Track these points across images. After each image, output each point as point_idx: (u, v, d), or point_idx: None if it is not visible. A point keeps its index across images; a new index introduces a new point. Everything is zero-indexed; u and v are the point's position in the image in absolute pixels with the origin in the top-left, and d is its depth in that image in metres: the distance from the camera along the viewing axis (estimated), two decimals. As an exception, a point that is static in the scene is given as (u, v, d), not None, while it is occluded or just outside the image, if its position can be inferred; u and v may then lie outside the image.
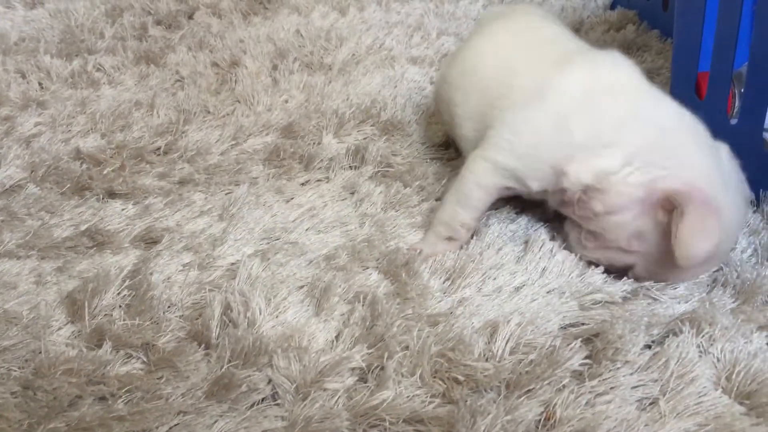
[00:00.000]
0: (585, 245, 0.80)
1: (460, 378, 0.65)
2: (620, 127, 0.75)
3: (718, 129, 0.90)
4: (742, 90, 0.93)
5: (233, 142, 1.11)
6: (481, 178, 0.82)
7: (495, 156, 0.80)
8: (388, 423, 0.62)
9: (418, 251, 0.83)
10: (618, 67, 0.81)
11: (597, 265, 0.79)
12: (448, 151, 1.06)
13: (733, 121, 0.91)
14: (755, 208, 0.86)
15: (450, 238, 0.84)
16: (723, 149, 0.78)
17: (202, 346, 0.71)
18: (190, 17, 1.68)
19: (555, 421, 0.61)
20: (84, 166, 1.05)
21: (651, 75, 1.23)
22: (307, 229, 0.90)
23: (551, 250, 0.82)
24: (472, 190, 0.82)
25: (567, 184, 0.77)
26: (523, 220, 0.89)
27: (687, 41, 0.99)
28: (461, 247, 0.84)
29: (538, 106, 0.78)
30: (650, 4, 1.44)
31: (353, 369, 0.68)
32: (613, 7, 1.59)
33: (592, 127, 0.76)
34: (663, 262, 0.74)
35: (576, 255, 0.81)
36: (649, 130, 0.75)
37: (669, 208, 0.71)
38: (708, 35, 0.95)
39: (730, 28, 0.88)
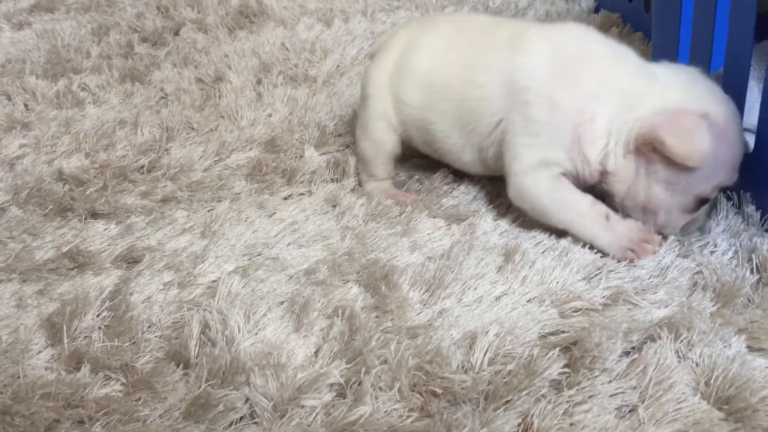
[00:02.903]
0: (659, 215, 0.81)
1: (438, 391, 0.65)
2: (594, 98, 0.80)
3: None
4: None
5: (216, 158, 1.11)
6: (546, 183, 0.83)
7: (529, 161, 0.83)
8: (365, 439, 0.62)
9: (646, 254, 0.80)
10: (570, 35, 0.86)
11: (577, 271, 0.79)
12: (427, 159, 1.06)
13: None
14: (737, 209, 0.86)
15: (608, 217, 0.81)
16: (692, 72, 0.83)
17: (181, 366, 0.71)
18: (176, 33, 1.68)
19: (533, 432, 0.61)
20: (66, 187, 1.05)
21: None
22: (288, 244, 0.90)
23: (532, 259, 0.81)
24: (558, 198, 0.83)
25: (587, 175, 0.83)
26: (504, 230, 0.89)
27: (665, 44, 0.99)
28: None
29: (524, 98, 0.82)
30: (633, 7, 1.44)
31: (331, 385, 0.68)
32: (597, 10, 1.59)
33: (576, 102, 0.81)
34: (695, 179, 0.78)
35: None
36: (610, 94, 0.80)
37: (653, 148, 0.77)
38: (685, 38, 0.95)
39: (706, 30, 0.88)
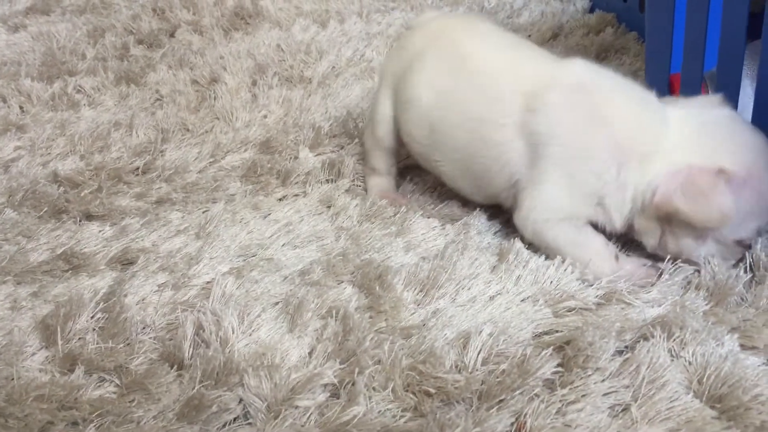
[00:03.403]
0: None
1: (431, 390, 0.65)
2: (612, 162, 0.77)
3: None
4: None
5: (211, 160, 1.11)
6: (568, 235, 0.80)
7: (552, 214, 0.80)
8: (358, 439, 0.62)
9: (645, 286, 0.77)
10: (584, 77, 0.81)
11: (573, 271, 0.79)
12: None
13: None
14: (730, 208, 0.86)
15: (617, 257, 0.79)
16: (707, 110, 0.79)
17: (175, 367, 0.71)
18: (172, 35, 1.68)
19: (526, 431, 0.61)
20: (61, 189, 1.05)
21: (629, 77, 1.23)
22: (283, 245, 0.90)
23: (526, 258, 0.81)
24: (574, 241, 0.80)
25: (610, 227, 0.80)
26: (498, 230, 0.89)
27: (658, 44, 1.00)
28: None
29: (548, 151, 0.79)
30: (628, 6, 1.44)
31: (325, 385, 0.68)
32: (592, 10, 1.59)
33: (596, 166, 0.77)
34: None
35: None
36: (630, 154, 0.77)
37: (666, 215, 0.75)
38: (678, 37, 0.95)
39: (699, 30, 0.88)
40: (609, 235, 0.81)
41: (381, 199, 0.96)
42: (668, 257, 0.78)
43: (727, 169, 0.72)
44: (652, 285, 0.76)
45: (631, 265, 0.79)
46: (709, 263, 0.76)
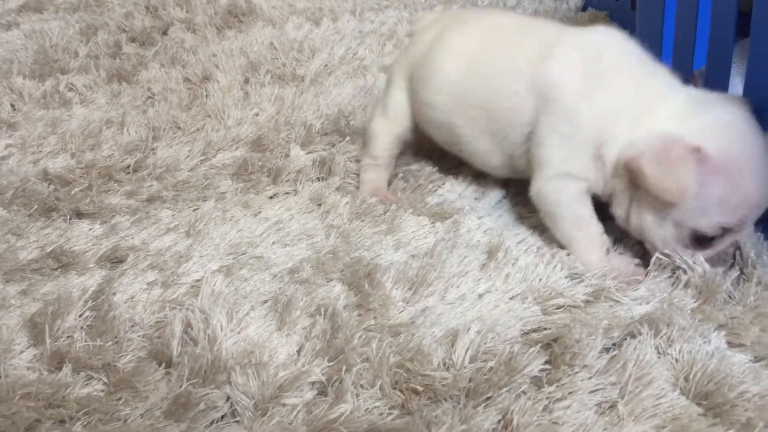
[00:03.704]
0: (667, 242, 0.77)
1: (419, 388, 0.65)
2: (615, 119, 0.78)
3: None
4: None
5: (202, 158, 1.11)
6: (566, 195, 0.81)
7: (553, 171, 0.81)
8: (345, 436, 0.62)
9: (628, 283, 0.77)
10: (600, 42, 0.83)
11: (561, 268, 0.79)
12: (415, 157, 1.06)
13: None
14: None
15: (608, 251, 0.81)
16: (721, 101, 0.78)
17: (163, 365, 0.71)
18: (165, 33, 1.68)
19: (513, 429, 0.61)
20: (51, 187, 1.05)
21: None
22: (273, 243, 0.90)
23: (515, 256, 0.82)
24: (572, 210, 0.82)
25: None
26: (488, 228, 0.89)
27: (649, 42, 1.00)
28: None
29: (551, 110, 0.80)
30: (620, 5, 1.44)
31: (313, 383, 0.68)
32: (584, 8, 1.60)
33: (598, 120, 0.78)
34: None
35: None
36: (627, 111, 0.77)
37: (633, 175, 0.74)
38: (668, 36, 0.95)
39: (688, 28, 0.89)
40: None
41: (372, 196, 0.96)
42: (654, 256, 0.78)
43: (704, 150, 0.71)
44: (639, 283, 0.76)
45: (620, 261, 0.80)
46: (694, 262, 0.76)
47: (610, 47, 0.82)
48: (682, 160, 0.70)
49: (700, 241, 0.75)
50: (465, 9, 1.20)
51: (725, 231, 0.74)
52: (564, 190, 0.81)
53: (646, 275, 0.77)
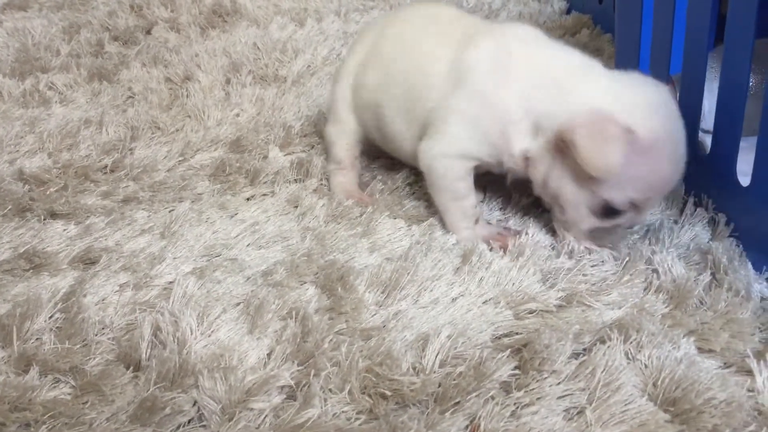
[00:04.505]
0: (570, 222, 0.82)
1: (387, 393, 0.65)
2: (527, 98, 0.80)
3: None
4: (681, 93, 0.93)
5: (180, 158, 1.10)
6: (454, 172, 0.86)
7: (449, 149, 0.85)
8: (312, 441, 0.62)
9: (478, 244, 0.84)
10: (515, 36, 0.86)
11: (534, 273, 0.79)
12: (391, 160, 1.06)
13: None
14: (694, 209, 0.86)
15: (477, 221, 0.88)
16: (649, 85, 0.80)
17: (131, 368, 0.71)
18: (148, 32, 1.67)
19: (480, 434, 0.61)
20: (26, 187, 1.04)
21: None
22: (248, 245, 0.90)
23: (489, 260, 0.81)
24: (455, 185, 0.87)
25: (511, 164, 0.84)
26: (463, 230, 0.89)
27: (627, 46, 1.00)
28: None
29: (461, 91, 0.84)
30: (603, 9, 1.45)
31: (282, 387, 0.67)
32: (568, 11, 1.60)
33: (508, 102, 0.81)
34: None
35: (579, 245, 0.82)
36: (544, 89, 0.80)
37: (563, 144, 0.76)
38: (647, 40, 0.95)
39: (664, 33, 0.89)
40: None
41: (347, 198, 0.95)
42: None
43: (636, 132, 0.73)
44: (506, 247, 0.83)
45: (486, 229, 0.88)
46: (665, 264, 0.76)
47: (524, 37, 0.86)
48: (615, 139, 0.73)
49: (607, 212, 0.79)
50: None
51: (632, 207, 0.78)
52: (454, 167, 0.86)
53: (514, 237, 0.85)
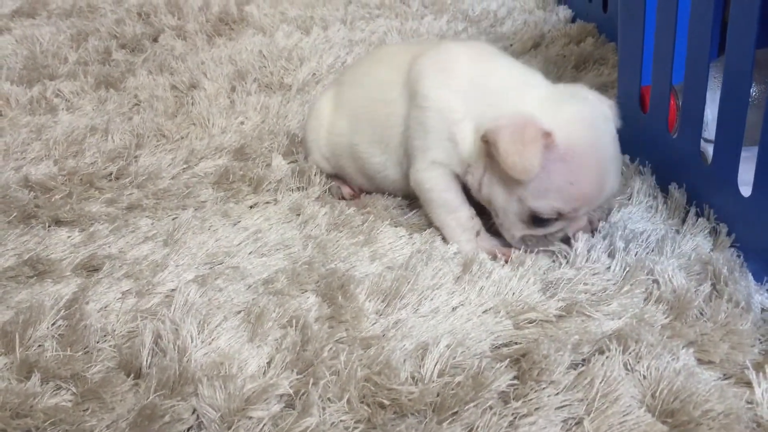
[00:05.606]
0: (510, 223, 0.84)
1: (386, 402, 0.65)
2: (465, 99, 0.84)
3: (660, 141, 0.90)
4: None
5: (185, 166, 1.11)
6: (437, 183, 0.88)
7: (423, 162, 0.88)
8: (309, 450, 0.62)
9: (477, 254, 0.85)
10: (462, 47, 0.91)
11: (534, 282, 0.79)
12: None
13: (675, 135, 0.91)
14: (696, 219, 0.86)
15: (478, 234, 0.88)
16: (584, 99, 0.83)
17: (132, 376, 0.71)
18: (155, 40, 1.69)
19: (478, 445, 0.61)
20: (32, 194, 1.05)
21: (606, 88, 1.23)
22: (250, 253, 0.90)
23: (489, 269, 0.81)
24: (444, 197, 0.89)
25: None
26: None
27: (630, 56, 1.00)
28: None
29: (414, 101, 0.88)
30: (607, 17, 1.45)
31: (281, 395, 0.68)
32: (573, 20, 1.60)
33: (447, 102, 0.85)
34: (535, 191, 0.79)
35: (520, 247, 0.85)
36: (482, 93, 0.84)
37: (488, 146, 0.79)
38: (649, 50, 0.95)
39: (667, 43, 0.89)
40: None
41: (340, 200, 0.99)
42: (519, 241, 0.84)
43: (553, 137, 0.76)
44: (506, 261, 0.84)
45: (488, 242, 0.88)
46: (666, 275, 0.76)
47: (472, 50, 0.90)
48: (532, 140, 0.75)
49: (535, 220, 0.81)
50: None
51: (560, 216, 0.80)
52: (433, 177, 0.88)
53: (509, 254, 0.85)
